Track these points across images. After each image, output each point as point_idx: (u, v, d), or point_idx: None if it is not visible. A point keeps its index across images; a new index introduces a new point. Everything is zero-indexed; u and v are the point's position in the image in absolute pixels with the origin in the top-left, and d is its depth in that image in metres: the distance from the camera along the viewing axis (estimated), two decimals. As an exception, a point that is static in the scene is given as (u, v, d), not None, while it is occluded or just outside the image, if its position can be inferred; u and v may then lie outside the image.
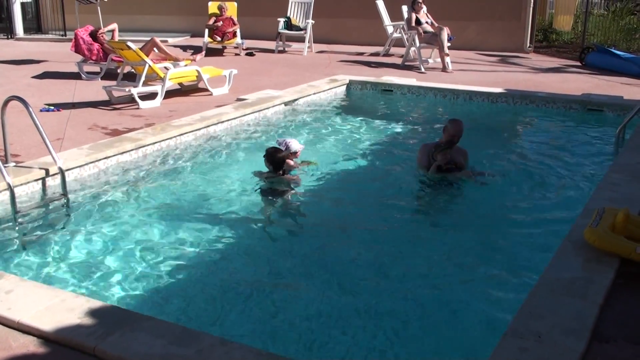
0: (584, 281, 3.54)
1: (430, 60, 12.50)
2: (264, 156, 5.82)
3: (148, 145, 6.59)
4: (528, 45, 14.48)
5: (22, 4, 17.11)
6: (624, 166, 5.74)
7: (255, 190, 5.80)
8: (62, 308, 3.25)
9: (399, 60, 12.83)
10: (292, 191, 5.80)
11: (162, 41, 10.63)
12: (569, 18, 15.01)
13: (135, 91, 8.57)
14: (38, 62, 12.56)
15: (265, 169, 5.87)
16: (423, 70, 11.80)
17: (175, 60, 9.94)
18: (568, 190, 5.91)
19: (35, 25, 17.70)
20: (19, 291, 3.44)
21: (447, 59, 11.87)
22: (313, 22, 14.03)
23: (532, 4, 14.33)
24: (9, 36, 16.69)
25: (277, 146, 5.88)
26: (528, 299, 3.37)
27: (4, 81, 10.51)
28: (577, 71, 12.11)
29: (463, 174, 5.93)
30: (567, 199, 5.72)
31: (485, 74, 11.56)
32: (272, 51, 14.18)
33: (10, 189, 5.07)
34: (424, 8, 12.54)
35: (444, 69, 11.86)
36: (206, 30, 13.69)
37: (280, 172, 5.80)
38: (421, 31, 12.24)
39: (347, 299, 4.03)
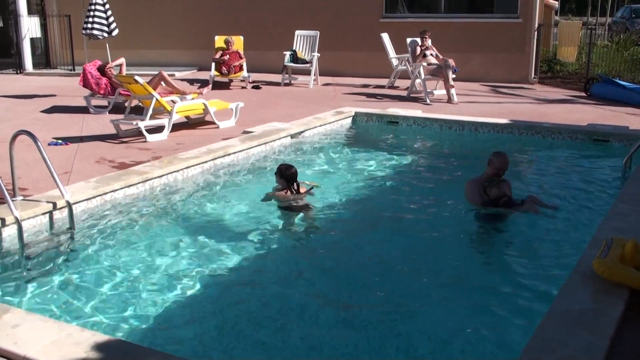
0: (594, 313, 3.50)
1: (435, 92, 12.57)
2: (276, 173, 6.10)
3: (155, 178, 6.61)
4: (533, 76, 14.56)
5: (32, 40, 17.34)
6: (631, 196, 5.73)
7: (267, 216, 5.87)
8: (68, 342, 3.23)
9: (404, 92, 12.91)
10: (309, 209, 5.99)
11: (169, 75, 10.72)
12: (573, 49, 15.10)
13: (142, 124, 8.63)
14: (46, 96, 12.69)
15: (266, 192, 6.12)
16: (428, 101, 11.86)
17: (182, 94, 10.02)
18: (575, 221, 5.88)
19: (44, 60, 17.92)
20: (25, 325, 3.43)
21: (452, 91, 11.94)
22: (319, 55, 14.16)
23: (535, 35, 14.45)
24: (18, 71, 16.89)
25: (289, 163, 6.18)
26: (537, 332, 3.33)
27: (13, 115, 10.61)
28: (582, 102, 12.15)
29: (527, 208, 5.87)
30: (574, 230, 5.70)
31: (490, 105, 11.61)
32: (278, 84, 14.29)
33: (18, 222, 5.08)
34: (429, 40, 12.65)
35: (449, 100, 11.92)
36: (213, 64, 13.82)
37: (293, 188, 5.99)
38: (426, 63, 12.34)
39: (366, 332, 4.00)
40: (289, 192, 6.05)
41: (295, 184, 6.06)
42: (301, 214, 5.94)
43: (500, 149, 6.44)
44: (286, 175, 6.02)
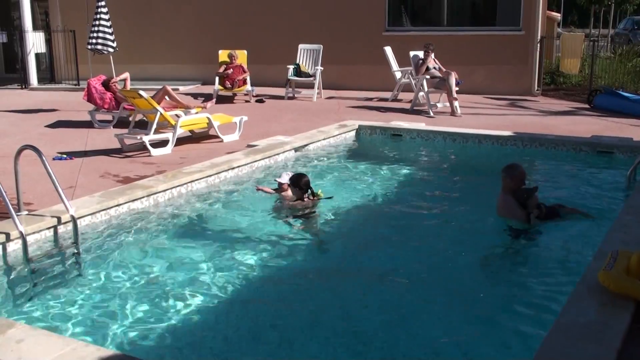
0: (600, 325, 3.49)
1: (438, 105, 12.59)
2: (290, 184, 6.49)
3: (159, 192, 6.62)
4: (536, 88, 14.58)
5: (37, 55, 17.44)
6: (635, 208, 5.71)
7: (272, 227, 5.98)
8: (73, 357, 3.23)
9: (407, 105, 12.93)
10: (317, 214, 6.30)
11: (173, 89, 10.77)
12: (576, 61, 15.12)
13: (146, 139, 8.66)
14: (51, 111, 12.74)
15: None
16: (432, 114, 11.88)
17: (186, 108, 10.05)
18: (580, 233, 5.86)
19: (49, 75, 18.01)
20: (29, 340, 3.43)
21: (456, 103, 11.96)
22: (322, 68, 14.21)
23: (538, 48, 14.48)
24: (24, 86, 16.98)
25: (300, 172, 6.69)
26: (543, 345, 3.32)
27: (18, 130, 10.66)
28: (585, 113, 12.15)
29: (572, 211, 5.98)
30: (579, 242, 5.69)
31: (493, 118, 11.62)
32: (281, 98, 14.33)
33: (23, 237, 5.09)
34: (432, 54, 12.69)
35: (453, 113, 11.93)
36: (216, 78, 13.87)
37: (307, 195, 6.39)
38: (429, 76, 12.37)
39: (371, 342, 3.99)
40: (306, 200, 6.40)
41: (310, 190, 6.40)
42: (316, 219, 6.26)
43: (504, 161, 6.44)
44: (301, 184, 6.37)
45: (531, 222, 5.83)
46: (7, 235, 5.10)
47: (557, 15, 23.02)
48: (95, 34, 12.71)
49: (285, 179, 6.65)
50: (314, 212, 6.35)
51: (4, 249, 5.10)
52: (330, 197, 6.59)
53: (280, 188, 6.69)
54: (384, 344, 4.00)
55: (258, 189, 6.93)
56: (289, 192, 6.56)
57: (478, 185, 7.84)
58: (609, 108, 12.22)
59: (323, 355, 3.87)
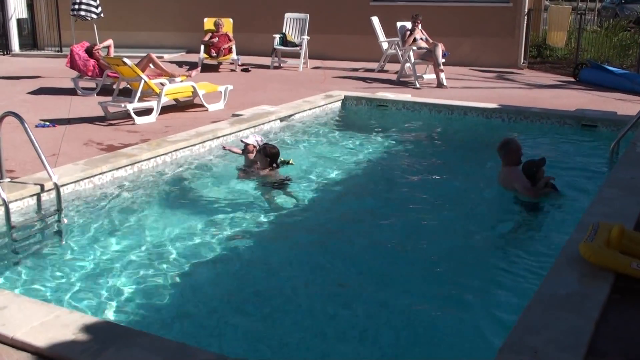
0: (580, 296, 3.54)
1: (425, 76, 12.56)
2: (259, 151, 6.43)
3: (143, 160, 6.59)
4: (522, 61, 14.58)
5: (18, 20, 17.14)
6: (617, 181, 5.77)
7: (252, 194, 6.00)
8: (56, 324, 3.24)
9: (394, 76, 12.89)
10: (289, 181, 6.30)
11: (158, 57, 10.65)
12: (563, 34, 15.10)
13: (130, 107, 8.58)
14: (34, 78, 12.57)
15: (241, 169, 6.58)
16: (418, 86, 11.86)
17: (171, 76, 9.95)
18: (562, 205, 5.92)
19: (31, 41, 17.71)
20: (13, 307, 3.43)
21: (442, 75, 11.94)
22: (308, 38, 14.10)
23: (525, 20, 14.44)
24: (5, 52, 16.72)
25: (268, 142, 6.62)
26: (523, 315, 3.36)
27: (0, 97, 10.51)
28: (571, 87, 12.18)
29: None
30: (561, 214, 5.74)
31: (479, 90, 11.62)
32: (267, 67, 14.23)
33: (5, 204, 5.05)
34: (420, 25, 12.62)
35: (439, 84, 11.92)
36: (202, 47, 13.73)
37: (275, 165, 6.39)
38: (416, 47, 12.32)
39: (354, 311, 4.02)
40: (271, 170, 6.39)
41: (275, 163, 6.42)
42: (282, 188, 6.19)
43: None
44: (271, 154, 6.35)
45: (538, 193, 5.83)
46: (-10, 202, 5.06)
47: (545, -12, 22.91)
48: (78, 0, 12.51)
49: (251, 139, 6.67)
50: (279, 178, 6.32)
51: (-14, 216, 5.07)
52: (291, 163, 6.63)
53: (245, 149, 6.71)
54: (370, 318, 4.04)
55: (225, 148, 6.99)
56: (254, 156, 6.56)
57: (463, 156, 7.88)
58: (594, 82, 12.26)
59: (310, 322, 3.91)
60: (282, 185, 6.22)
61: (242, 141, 6.84)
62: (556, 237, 5.02)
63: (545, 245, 5.03)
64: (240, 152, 6.82)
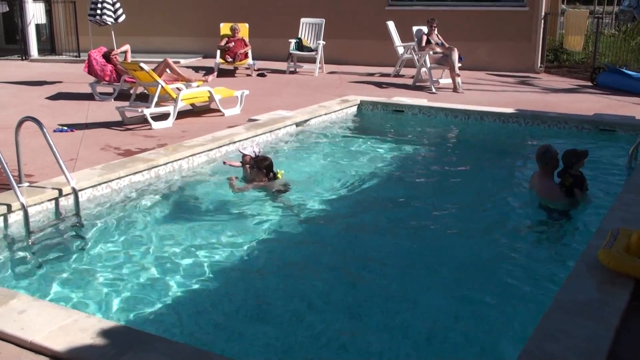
0: (599, 303, 3.51)
1: (441, 81, 12.53)
2: (252, 167, 6.40)
3: (160, 165, 6.62)
4: (539, 65, 14.49)
5: (37, 26, 17.33)
6: (637, 186, 5.71)
7: (266, 202, 5.92)
8: (74, 328, 3.25)
9: (409, 81, 12.87)
10: (285, 192, 6.27)
11: (174, 62, 10.71)
12: (580, 38, 14.99)
13: (147, 112, 8.63)
14: (52, 83, 12.68)
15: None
16: (434, 90, 11.83)
17: (187, 81, 10.00)
18: (581, 211, 5.87)
19: (49, 46, 17.91)
20: (31, 311, 3.45)
21: (458, 80, 11.90)
22: (324, 43, 14.11)
23: (542, 24, 14.36)
24: (24, 57, 16.89)
25: (265, 155, 6.58)
26: (542, 321, 3.33)
27: (19, 102, 10.62)
28: (588, 91, 12.09)
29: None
30: (580, 220, 5.70)
31: (496, 94, 11.57)
32: (283, 72, 14.25)
33: (24, 209, 5.09)
34: (436, 29, 12.60)
35: (455, 89, 11.88)
36: (218, 52, 13.79)
37: (271, 175, 6.32)
38: (431, 52, 12.30)
39: (370, 320, 4.01)
40: (268, 180, 6.32)
41: (272, 172, 6.38)
42: (282, 196, 6.19)
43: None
44: (264, 166, 6.29)
45: (577, 200, 5.75)
46: (9, 206, 5.11)
47: (562, -8, 22.78)
48: (95, 5, 12.60)
49: (248, 150, 6.65)
50: (279, 188, 6.28)
51: (6, 220, 5.12)
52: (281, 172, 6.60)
53: (243, 160, 6.70)
54: (385, 319, 4.02)
55: (225, 163, 6.97)
56: (250, 171, 6.51)
57: (480, 161, 7.84)
58: (612, 86, 12.16)
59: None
60: (284, 192, 6.24)
61: (240, 151, 6.83)
62: (575, 243, 4.98)
63: (564, 251, 4.99)
64: (240, 164, 6.77)
